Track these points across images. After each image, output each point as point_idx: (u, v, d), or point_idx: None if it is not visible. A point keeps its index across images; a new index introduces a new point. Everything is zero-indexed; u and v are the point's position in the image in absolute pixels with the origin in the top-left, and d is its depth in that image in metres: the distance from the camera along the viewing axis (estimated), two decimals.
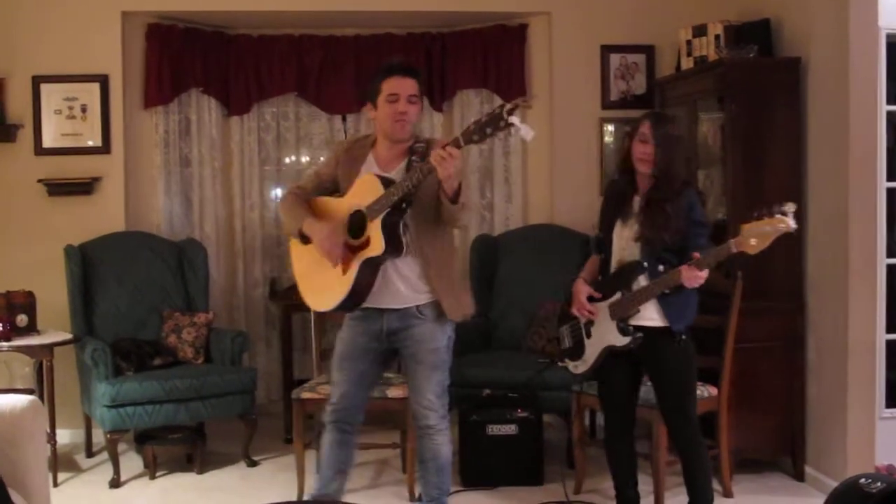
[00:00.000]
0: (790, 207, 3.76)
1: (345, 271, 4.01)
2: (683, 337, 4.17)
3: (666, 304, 4.11)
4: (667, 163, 4.12)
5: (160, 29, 6.52)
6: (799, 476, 5.40)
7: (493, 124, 3.61)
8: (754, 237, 3.78)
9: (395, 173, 4.05)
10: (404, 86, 4.04)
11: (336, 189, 4.24)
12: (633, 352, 4.20)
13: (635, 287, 4.13)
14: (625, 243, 4.21)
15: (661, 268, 4.07)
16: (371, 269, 4.00)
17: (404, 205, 3.94)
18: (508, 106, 3.57)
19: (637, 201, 4.22)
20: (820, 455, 5.28)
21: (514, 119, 3.55)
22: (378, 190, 3.93)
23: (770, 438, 5.43)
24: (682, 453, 4.33)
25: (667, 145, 4.12)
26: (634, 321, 4.17)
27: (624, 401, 4.41)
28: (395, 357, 4.39)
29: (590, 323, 4.30)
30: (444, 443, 4.23)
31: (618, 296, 4.18)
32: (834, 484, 4.40)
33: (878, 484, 3.70)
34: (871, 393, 5.09)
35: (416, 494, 4.42)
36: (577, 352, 4.40)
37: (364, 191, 4.01)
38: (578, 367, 4.40)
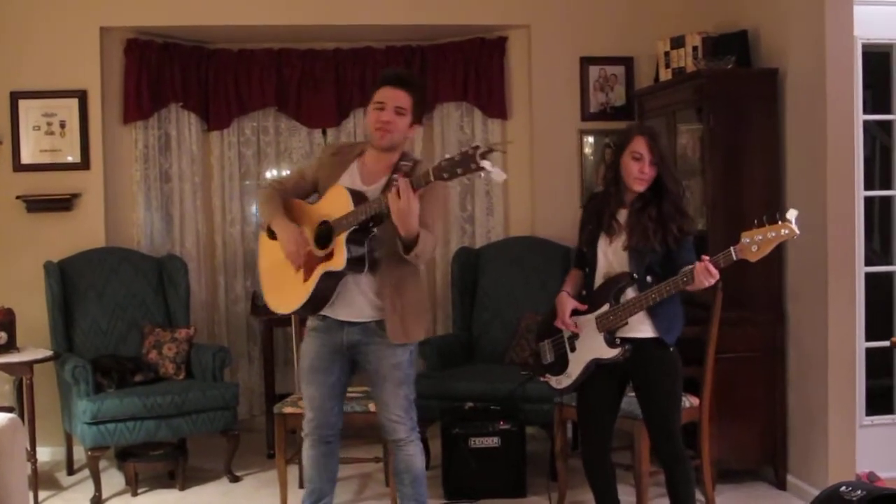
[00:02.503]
0: (792, 213, 3.73)
1: (306, 279, 4.02)
2: (672, 349, 4.14)
3: (655, 315, 4.06)
4: (661, 177, 4.09)
5: (139, 44, 6.50)
6: (781, 485, 5.41)
7: (464, 165, 3.60)
8: (756, 244, 3.74)
9: (374, 188, 4.04)
10: (393, 96, 4.03)
11: (315, 191, 4.25)
12: (619, 364, 4.14)
13: (623, 299, 4.09)
14: (612, 257, 4.16)
15: (648, 279, 4.04)
16: (331, 282, 4.01)
17: (371, 224, 3.94)
18: (482, 149, 3.57)
19: (623, 214, 4.16)
20: (801, 464, 5.30)
21: (486, 164, 3.55)
22: (348, 205, 3.93)
23: (752, 448, 5.44)
24: (665, 465, 4.27)
25: (664, 162, 4.10)
26: (622, 333, 4.11)
27: (604, 414, 4.33)
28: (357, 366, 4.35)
29: (574, 336, 4.24)
30: (416, 454, 4.24)
31: (605, 307, 4.11)
32: (815, 492, 4.42)
33: (859, 492, 3.72)
34: (852, 401, 5.11)
35: None
36: (559, 367, 4.33)
37: (334, 203, 4.01)
38: (562, 381, 4.32)
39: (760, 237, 3.73)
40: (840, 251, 5.00)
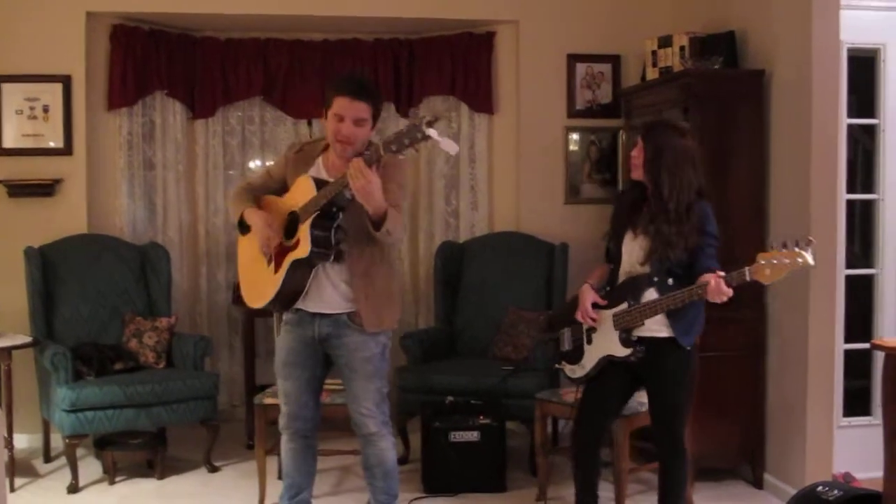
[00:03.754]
0: (810, 243, 3.70)
1: (276, 270, 4.03)
2: (688, 349, 4.14)
3: (674, 316, 4.06)
4: (657, 173, 4.06)
5: (125, 30, 6.46)
6: (758, 484, 5.44)
7: (411, 135, 3.63)
8: (769, 268, 3.70)
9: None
10: (352, 108, 3.98)
11: (285, 190, 4.25)
12: (631, 363, 4.16)
13: (643, 299, 4.08)
14: (634, 257, 4.16)
15: (669, 281, 4.05)
16: (301, 272, 4.00)
17: (335, 209, 3.94)
18: (427, 118, 3.61)
19: (646, 211, 4.16)
20: (779, 463, 5.33)
21: (432, 132, 3.56)
22: (311, 192, 3.95)
23: (730, 446, 5.46)
24: (663, 463, 4.29)
25: (659, 154, 4.06)
26: (638, 332, 4.12)
27: (607, 410, 4.37)
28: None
29: (591, 329, 4.27)
30: (387, 448, 4.24)
31: (624, 306, 4.13)
32: (792, 491, 4.46)
33: (836, 492, 3.77)
34: (830, 402, 5.15)
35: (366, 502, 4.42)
36: (576, 356, 4.35)
37: (300, 192, 4.03)
38: (576, 371, 4.35)
39: (776, 261, 3.70)
40: (822, 253, 5.00)
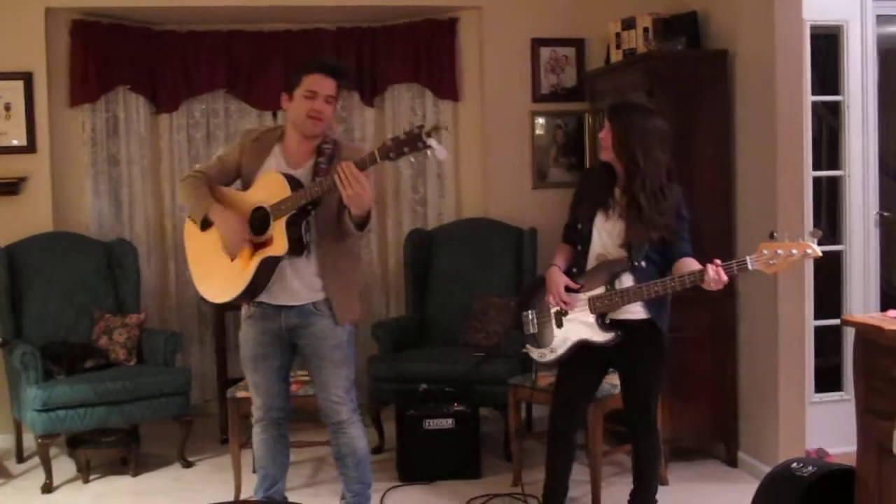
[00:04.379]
0: (816, 234, 3.71)
1: (243, 266, 4.00)
2: (662, 333, 4.15)
3: (650, 300, 4.04)
4: (629, 153, 4.02)
5: (85, 25, 6.40)
6: (732, 462, 5.48)
7: (411, 144, 3.65)
8: (775, 258, 3.70)
9: (302, 172, 4.05)
10: (324, 85, 4.03)
11: (238, 177, 4.22)
12: (607, 347, 4.15)
13: (618, 285, 4.05)
14: (606, 238, 4.14)
15: (643, 264, 4.03)
16: (269, 268, 4.00)
17: (310, 207, 3.95)
18: (428, 128, 3.63)
19: (618, 193, 4.14)
20: (752, 441, 5.37)
21: (432, 142, 3.60)
22: (284, 190, 3.92)
23: (703, 426, 5.50)
24: (637, 444, 4.32)
25: (628, 133, 4.02)
26: (614, 315, 4.11)
27: (582, 393, 4.36)
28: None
29: (562, 312, 4.22)
30: (358, 436, 4.26)
31: (600, 290, 4.09)
32: (767, 469, 4.48)
33: (810, 468, 3.79)
34: (801, 379, 5.19)
35: (341, 494, 4.42)
36: (542, 339, 4.31)
37: (269, 188, 3.99)
38: (545, 355, 4.30)
39: (782, 252, 3.69)
40: (789, 231, 5.02)
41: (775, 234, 3.76)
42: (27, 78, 6.19)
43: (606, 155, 4.14)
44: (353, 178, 3.72)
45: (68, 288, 6.03)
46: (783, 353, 5.10)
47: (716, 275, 3.78)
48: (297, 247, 3.95)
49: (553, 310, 4.26)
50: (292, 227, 3.93)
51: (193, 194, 4.16)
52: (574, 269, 4.25)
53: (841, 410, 5.12)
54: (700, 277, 3.82)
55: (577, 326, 4.18)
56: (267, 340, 4.21)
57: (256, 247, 3.99)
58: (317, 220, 4.01)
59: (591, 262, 4.19)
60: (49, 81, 6.28)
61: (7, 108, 6.18)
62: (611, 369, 4.40)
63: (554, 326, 4.27)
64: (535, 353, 4.37)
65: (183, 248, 6.70)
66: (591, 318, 4.13)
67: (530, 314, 4.38)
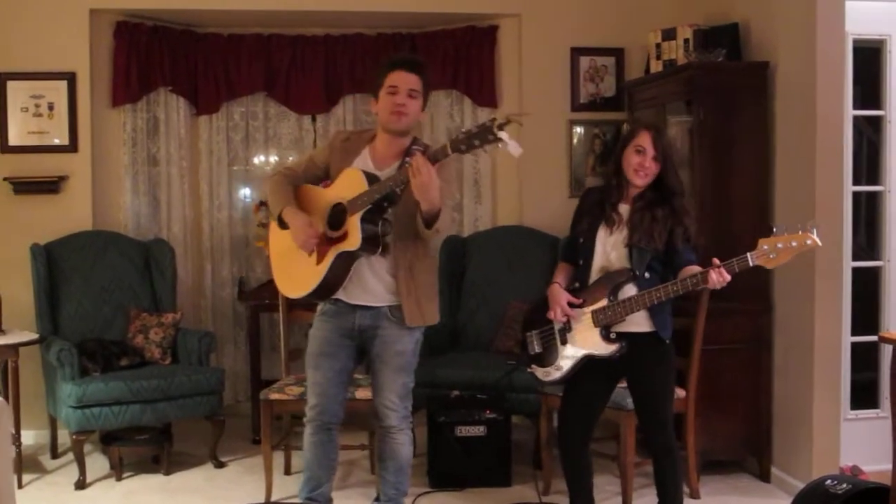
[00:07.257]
0: (815, 224, 3.69)
1: (319, 261, 4.02)
2: (667, 342, 4.12)
3: (654, 310, 4.03)
4: (663, 174, 4.07)
5: (128, 27, 6.47)
6: (765, 477, 5.43)
7: (482, 136, 3.64)
8: (775, 251, 3.69)
9: (387, 172, 4.06)
10: (406, 79, 4.05)
11: (326, 177, 4.25)
12: (613, 360, 4.11)
13: (621, 295, 4.03)
14: (610, 250, 4.12)
15: (647, 275, 4.01)
16: (345, 263, 4.01)
17: (386, 204, 3.96)
18: (500, 120, 3.61)
19: (625, 209, 4.13)
20: (786, 456, 5.32)
21: (503, 134, 3.58)
22: (362, 185, 3.95)
23: (736, 439, 5.45)
24: (656, 458, 4.26)
25: (666, 158, 4.06)
26: (618, 328, 4.07)
27: (590, 408, 4.31)
28: (365, 353, 4.35)
29: (565, 329, 4.19)
30: (404, 443, 4.27)
31: (603, 302, 4.06)
32: (799, 485, 4.45)
33: (844, 485, 3.76)
34: (837, 394, 5.13)
35: (377, 493, 4.42)
36: (547, 358, 4.27)
37: (348, 184, 4.02)
38: (550, 373, 4.25)
39: (781, 245, 3.68)
40: (828, 245, 5.00)
41: (774, 229, 3.75)
42: (70, 78, 6.26)
43: (644, 182, 4.09)
44: (423, 166, 3.72)
45: (105, 286, 6.08)
46: (818, 369, 5.05)
47: (718, 276, 3.78)
48: (371, 242, 3.96)
49: (557, 327, 4.23)
50: (367, 223, 3.94)
51: (274, 194, 4.23)
52: (576, 285, 4.22)
53: (876, 427, 5.08)
54: (703, 279, 3.82)
55: (583, 341, 4.14)
56: (335, 340, 4.22)
57: (333, 242, 4.01)
58: (395, 218, 4.02)
59: (594, 276, 4.15)
60: (92, 82, 6.34)
61: (50, 107, 6.26)
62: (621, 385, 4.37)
63: (558, 344, 4.22)
64: (539, 373, 4.32)
65: (219, 249, 6.91)
66: (596, 332, 4.09)
67: (533, 335, 4.35)
